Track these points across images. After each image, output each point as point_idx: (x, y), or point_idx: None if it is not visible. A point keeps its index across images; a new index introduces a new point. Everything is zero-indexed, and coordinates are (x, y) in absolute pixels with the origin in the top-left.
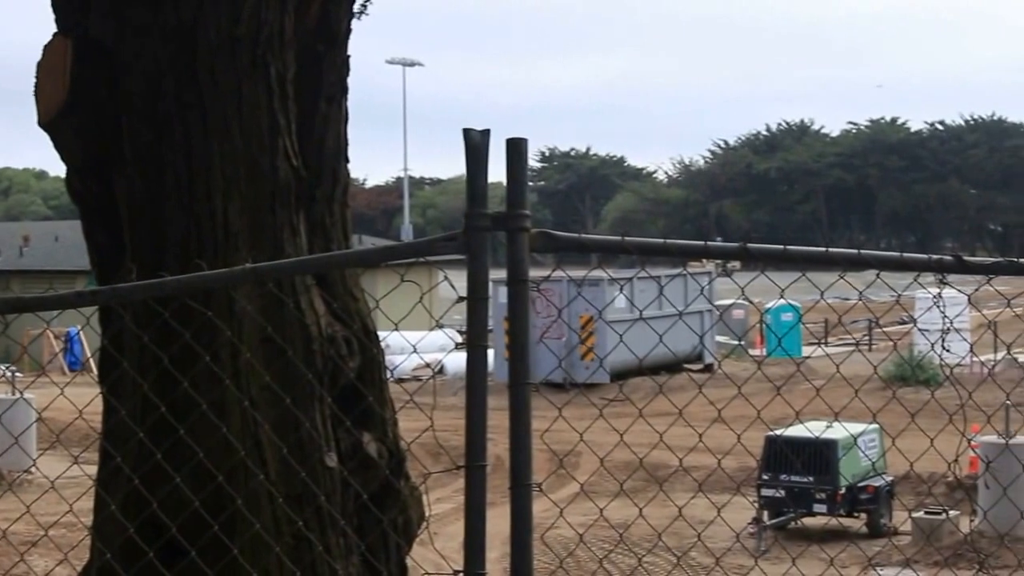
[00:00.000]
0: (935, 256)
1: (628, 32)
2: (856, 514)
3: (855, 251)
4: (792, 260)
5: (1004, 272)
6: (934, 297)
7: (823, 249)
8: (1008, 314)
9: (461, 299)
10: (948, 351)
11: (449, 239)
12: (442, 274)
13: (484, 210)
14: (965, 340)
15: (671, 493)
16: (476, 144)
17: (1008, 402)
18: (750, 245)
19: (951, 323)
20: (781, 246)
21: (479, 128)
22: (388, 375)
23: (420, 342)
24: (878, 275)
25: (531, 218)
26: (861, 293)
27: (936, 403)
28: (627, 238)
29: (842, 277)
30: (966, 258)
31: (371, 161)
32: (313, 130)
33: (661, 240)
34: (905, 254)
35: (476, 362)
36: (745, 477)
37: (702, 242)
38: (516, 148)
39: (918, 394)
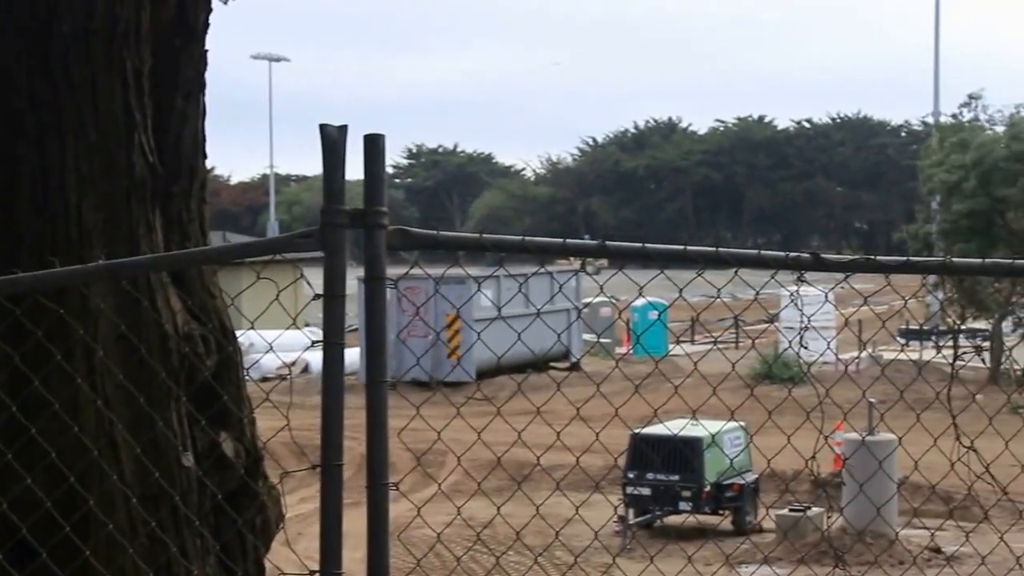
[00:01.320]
0: (792, 254)
1: (498, 28)
2: (721, 512)
3: (713, 249)
4: (651, 258)
5: (861, 270)
6: (791, 295)
7: (682, 247)
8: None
9: (318, 296)
10: (806, 348)
11: (306, 235)
12: (307, 272)
13: (341, 206)
14: (822, 338)
15: (539, 491)
16: (333, 140)
17: (871, 400)
18: (609, 243)
19: (807, 321)
20: (640, 244)
21: (343, 124)
22: (248, 374)
23: (288, 340)
24: (736, 272)
25: (390, 215)
26: (719, 291)
27: (802, 401)
28: (485, 235)
29: (700, 275)
30: (823, 256)
31: (237, 157)
32: (170, 126)
33: (519, 237)
34: (763, 252)
35: (332, 360)
36: (610, 475)
37: (560, 240)
38: (374, 144)
39: (783, 392)
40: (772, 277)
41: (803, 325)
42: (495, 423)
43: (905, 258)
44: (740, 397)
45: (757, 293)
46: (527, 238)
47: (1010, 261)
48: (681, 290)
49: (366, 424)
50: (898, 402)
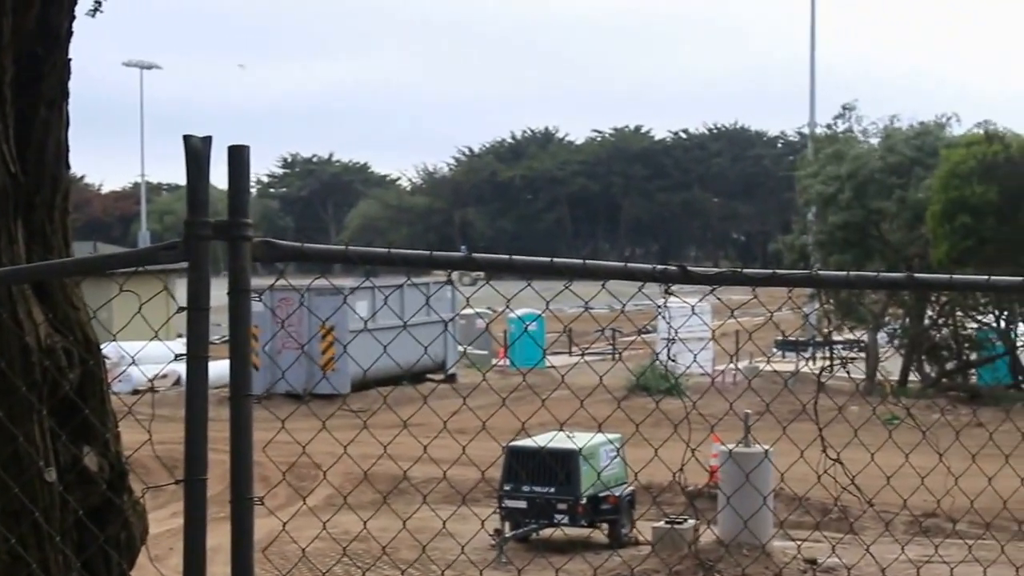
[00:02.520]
0: (660, 266)
1: (374, 36)
2: (597, 525)
3: (580, 261)
4: (519, 270)
5: (728, 283)
6: (659, 307)
7: (549, 260)
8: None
9: (181, 309)
10: (673, 361)
11: (170, 247)
12: (176, 284)
13: (205, 218)
14: (688, 350)
15: (416, 505)
16: (197, 151)
17: (746, 411)
18: (475, 255)
19: (675, 333)
20: (507, 256)
21: (207, 134)
22: (118, 386)
23: (164, 352)
24: (603, 285)
25: (264, 225)
26: (587, 304)
27: (679, 413)
28: (351, 248)
29: (567, 288)
30: (690, 268)
31: (109, 166)
32: (32, 135)
33: (385, 249)
34: (630, 264)
35: (196, 374)
36: (487, 488)
37: (427, 252)
38: (238, 156)
39: (662, 403)
40: (639, 290)
41: (671, 337)
42: (375, 435)
43: (772, 271)
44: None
45: (624, 306)
46: (393, 250)
47: (875, 274)
48: (548, 303)
49: (231, 438)
50: (765, 414)
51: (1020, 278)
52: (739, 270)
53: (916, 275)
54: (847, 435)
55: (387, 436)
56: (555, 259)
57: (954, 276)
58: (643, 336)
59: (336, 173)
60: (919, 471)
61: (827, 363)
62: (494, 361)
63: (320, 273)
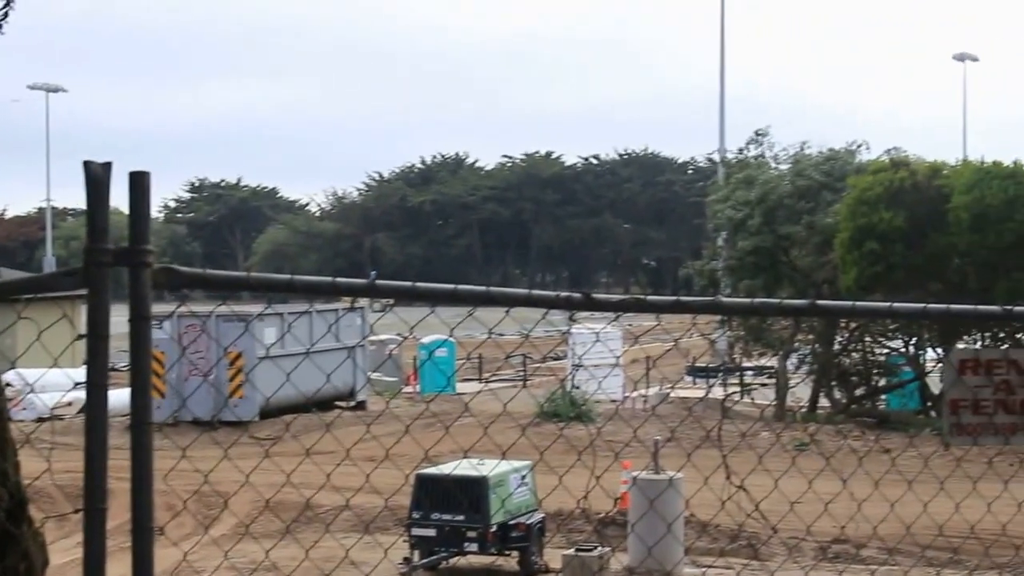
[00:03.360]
0: (563, 293)
1: (284, 60)
2: (508, 552)
3: (483, 289)
4: (422, 297)
5: (632, 309)
6: (563, 333)
7: (452, 287)
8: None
9: (80, 336)
10: (577, 388)
11: (70, 274)
12: (81, 310)
13: (105, 245)
14: (593, 377)
15: (329, 532)
16: (97, 177)
17: (656, 438)
18: (379, 282)
19: (579, 359)
20: (410, 283)
21: (107, 160)
22: (22, 414)
23: (66, 381)
24: (507, 312)
25: (171, 250)
26: (491, 331)
27: (588, 439)
28: (252, 274)
29: (471, 315)
30: (594, 295)
31: (12, 190)
32: None
33: (287, 276)
34: (534, 292)
35: (95, 402)
36: (382, 515)
37: (330, 279)
38: (138, 182)
39: (570, 430)
40: (543, 317)
41: (576, 363)
42: (283, 463)
43: (675, 298)
44: (530, 435)
45: (528, 333)
46: (295, 277)
47: (778, 300)
48: (452, 330)
49: (131, 467)
50: (678, 440)
51: (921, 305)
52: (643, 297)
53: (818, 302)
54: (766, 460)
55: (296, 464)
56: (458, 286)
57: (856, 303)
58: (553, 362)
59: (244, 198)
60: (827, 497)
61: (732, 390)
62: (404, 388)
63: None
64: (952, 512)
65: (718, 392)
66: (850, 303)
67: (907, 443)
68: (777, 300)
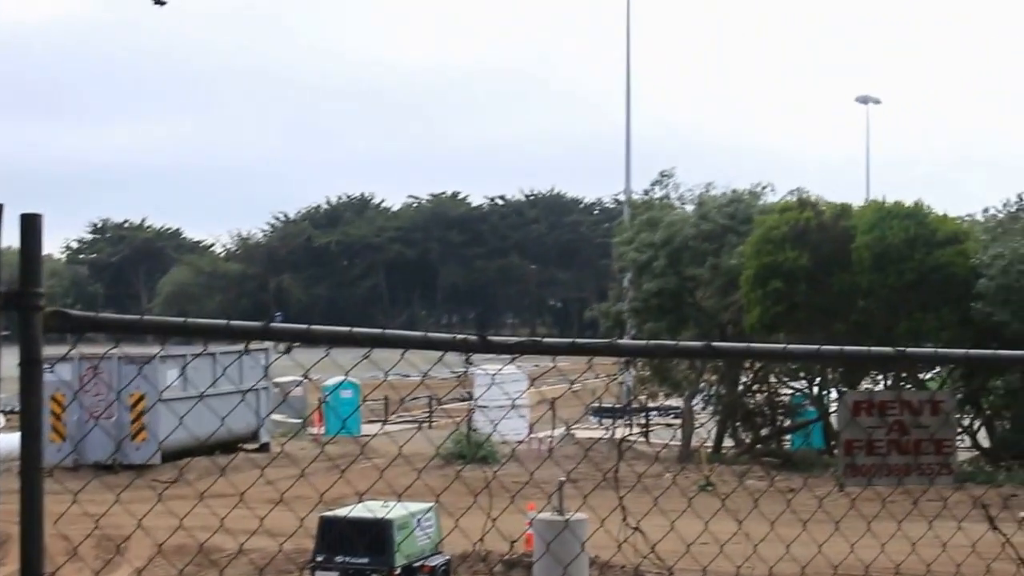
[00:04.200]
0: (460, 336)
1: (186, 100)
2: None
3: (379, 331)
4: (317, 340)
5: (528, 352)
6: (458, 377)
7: (347, 329)
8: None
9: None
10: (475, 430)
11: None
12: None
13: None
14: (485, 418)
15: None
16: None
17: (561, 479)
18: (273, 324)
19: (475, 402)
20: (305, 326)
21: (26, 198)
22: None
23: None
24: (403, 355)
25: (73, 292)
26: (387, 373)
27: (496, 480)
28: (145, 317)
29: (366, 357)
30: (490, 337)
31: None
32: None
33: (181, 320)
34: (430, 334)
35: None
36: (284, 558)
37: (224, 321)
38: (31, 224)
39: (478, 472)
40: (439, 360)
41: (473, 404)
42: (182, 507)
43: (571, 340)
44: (435, 477)
45: (424, 375)
46: (189, 320)
47: (674, 343)
48: (348, 372)
49: (21, 513)
50: (584, 481)
51: (815, 347)
52: (538, 340)
53: (713, 344)
54: (663, 501)
55: (201, 506)
56: (354, 329)
57: (751, 345)
58: (460, 403)
59: (148, 239)
60: (724, 537)
61: (629, 432)
62: (309, 430)
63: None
64: (847, 552)
65: (622, 433)
66: (744, 345)
67: (803, 484)
68: (673, 343)
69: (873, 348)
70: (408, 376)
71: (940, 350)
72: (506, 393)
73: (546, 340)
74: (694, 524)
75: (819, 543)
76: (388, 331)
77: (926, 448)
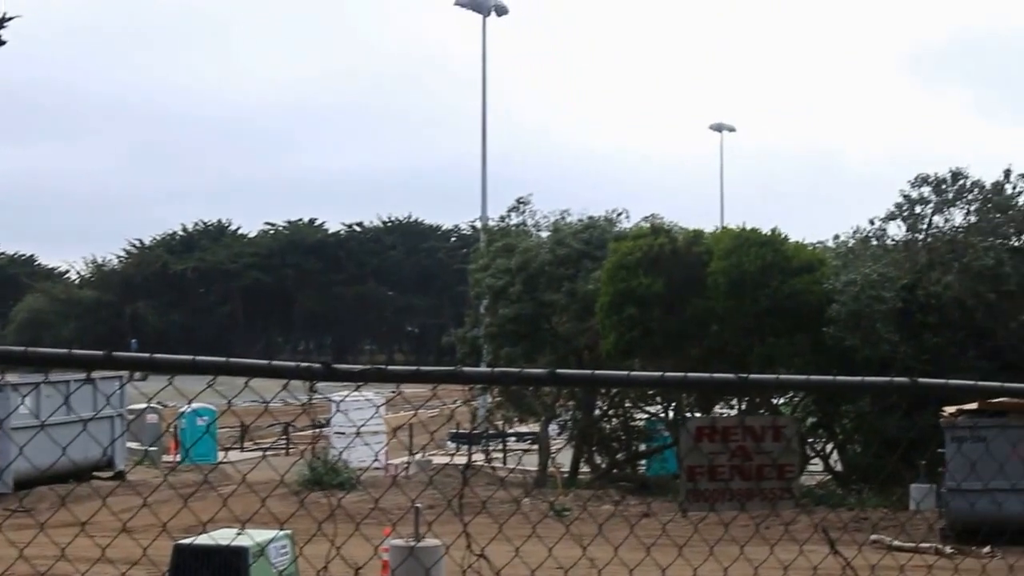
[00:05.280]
0: (304, 364)
1: (38, 125)
2: None
3: (224, 359)
4: (160, 368)
5: (373, 379)
6: (304, 405)
7: (191, 358)
8: (423, 415)
9: None
10: (319, 458)
11: None
12: None
13: None
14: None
15: None
16: None
17: (418, 505)
18: (116, 354)
19: (319, 431)
20: (148, 355)
21: None
22: None
23: None
24: (247, 383)
25: None
26: (230, 401)
27: (352, 507)
28: None
29: (210, 386)
30: (335, 366)
31: None
32: None
33: (22, 348)
34: (274, 362)
35: None
36: None
37: (65, 350)
38: None
39: (332, 498)
40: (284, 387)
41: (316, 434)
42: (29, 536)
43: (416, 367)
44: (289, 504)
45: (267, 404)
46: (30, 349)
47: (519, 370)
48: (190, 401)
49: None
50: (441, 506)
51: (659, 374)
52: (383, 367)
53: (558, 371)
54: (520, 527)
55: (60, 535)
56: (197, 358)
57: (595, 372)
58: (317, 430)
59: (1, 265)
60: (569, 562)
61: (485, 457)
62: (165, 457)
63: None
64: None
65: (468, 459)
66: (588, 372)
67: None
68: (517, 370)
69: (716, 375)
70: (257, 402)
71: (782, 376)
72: (353, 421)
73: (390, 368)
74: (558, 548)
75: (663, 568)
76: (232, 360)
77: (768, 473)
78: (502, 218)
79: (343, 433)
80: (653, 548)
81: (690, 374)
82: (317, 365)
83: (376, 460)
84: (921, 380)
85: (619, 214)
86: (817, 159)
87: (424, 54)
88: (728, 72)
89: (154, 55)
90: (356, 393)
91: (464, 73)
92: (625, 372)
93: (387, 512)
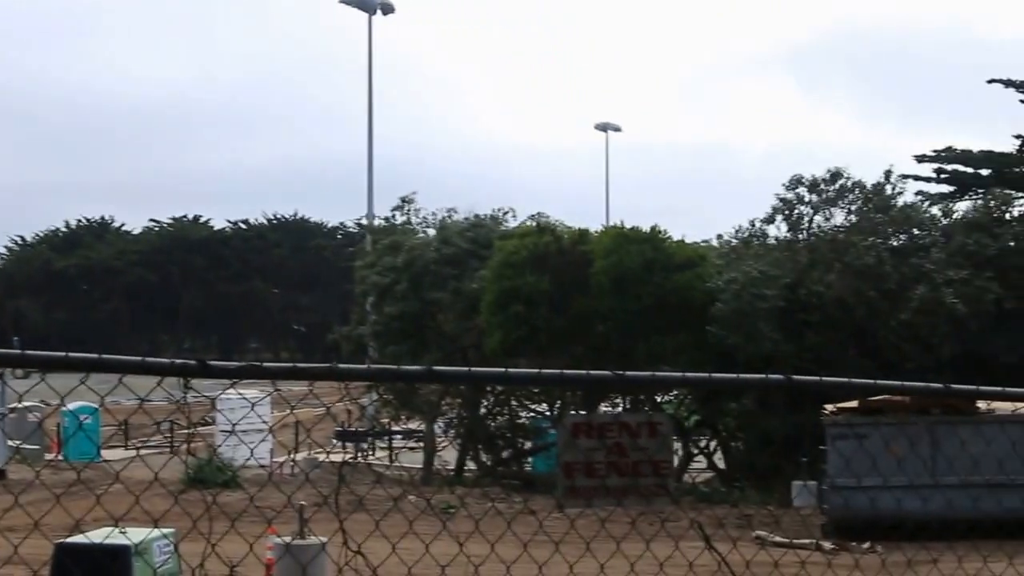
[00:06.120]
0: (179, 360)
1: None
2: None
3: (97, 356)
4: (31, 365)
5: (248, 376)
6: (178, 402)
7: (64, 354)
8: (311, 414)
9: None
10: (193, 455)
11: None
12: None
13: None
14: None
15: None
16: None
17: (302, 503)
18: None
19: (193, 429)
20: (19, 351)
21: None
22: None
23: None
24: (121, 379)
25: None
26: (103, 399)
27: (235, 505)
28: None
29: (83, 383)
30: (209, 362)
31: None
32: None
33: None
34: (147, 359)
35: None
36: None
37: None
38: None
39: (224, 497)
40: (159, 384)
41: (192, 433)
42: None
43: (292, 364)
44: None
45: (142, 401)
46: None
47: (396, 367)
48: (63, 398)
49: None
50: (324, 505)
51: (535, 371)
52: (258, 364)
53: (435, 368)
54: (403, 525)
55: None
56: (70, 354)
57: (472, 369)
58: (202, 428)
59: None
60: (445, 559)
61: (349, 457)
62: (47, 456)
63: None
64: (567, 573)
65: (368, 456)
66: (465, 369)
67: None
68: (395, 367)
69: (593, 372)
70: (151, 401)
71: (658, 374)
72: (229, 420)
73: (266, 365)
74: (442, 546)
75: (540, 564)
76: (105, 356)
77: (644, 470)
78: (388, 217)
79: (228, 432)
80: (531, 545)
81: (567, 371)
82: (192, 362)
83: (251, 458)
84: (796, 377)
85: (505, 213)
86: (706, 158)
87: (310, 52)
88: (617, 70)
89: (33, 48)
90: (235, 391)
91: (351, 71)
92: (503, 369)
93: (276, 511)
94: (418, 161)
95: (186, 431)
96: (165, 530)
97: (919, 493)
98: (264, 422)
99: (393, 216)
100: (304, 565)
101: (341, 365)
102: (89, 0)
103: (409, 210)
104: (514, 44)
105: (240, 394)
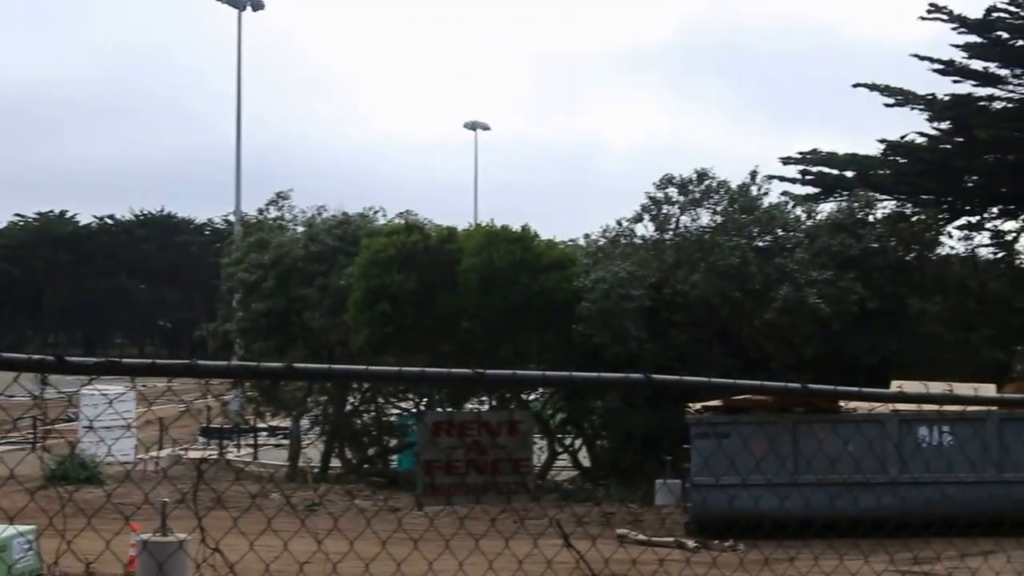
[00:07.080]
0: (35, 356)
1: None
2: None
3: None
4: None
5: (105, 372)
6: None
7: None
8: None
9: None
10: (48, 452)
11: None
12: None
13: None
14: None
15: None
16: None
17: (165, 500)
18: None
19: (45, 424)
20: None
21: None
22: None
23: None
24: None
25: None
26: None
27: (98, 502)
28: None
29: None
30: (66, 358)
31: None
32: None
33: None
34: (4, 353)
35: None
36: None
37: None
38: None
39: (80, 494)
40: (15, 380)
41: (45, 428)
42: None
43: (151, 361)
44: (42, 499)
45: (1, 394)
46: None
47: (256, 364)
48: None
49: None
50: (187, 502)
51: (396, 368)
52: (117, 360)
53: (295, 365)
54: (264, 522)
55: None
56: None
57: (332, 367)
58: (63, 424)
59: None
60: (304, 556)
61: (256, 449)
62: None
63: None
64: (426, 570)
65: (232, 454)
66: (326, 366)
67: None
68: (254, 363)
69: (454, 370)
70: (12, 396)
71: (519, 372)
72: (88, 417)
73: (124, 361)
74: (305, 543)
75: (398, 561)
76: None
77: (504, 468)
78: (260, 211)
79: (91, 428)
80: (391, 543)
81: (428, 369)
82: (50, 358)
83: (110, 455)
84: (656, 376)
85: (375, 211)
86: (577, 158)
87: (180, 48)
88: (488, 68)
89: None
90: (96, 387)
91: (221, 67)
92: (364, 367)
93: (137, 507)
94: (287, 160)
95: (52, 427)
96: (23, 527)
97: (777, 492)
98: (125, 419)
99: (266, 211)
100: (161, 564)
101: (200, 362)
102: None
103: (283, 206)
104: (386, 41)
105: (99, 391)
